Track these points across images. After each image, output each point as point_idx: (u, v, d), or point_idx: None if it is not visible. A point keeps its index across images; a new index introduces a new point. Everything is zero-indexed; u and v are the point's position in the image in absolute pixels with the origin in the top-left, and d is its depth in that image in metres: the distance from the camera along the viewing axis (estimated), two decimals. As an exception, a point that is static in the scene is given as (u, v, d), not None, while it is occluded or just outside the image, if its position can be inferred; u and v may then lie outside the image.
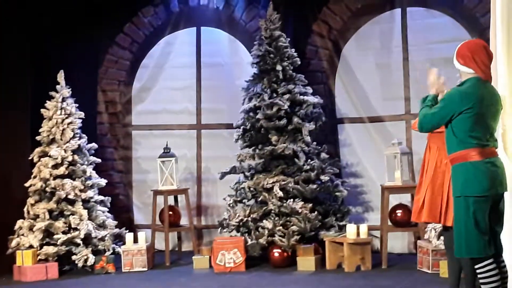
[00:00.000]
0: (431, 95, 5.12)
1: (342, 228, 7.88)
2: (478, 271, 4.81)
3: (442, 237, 6.66)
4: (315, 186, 8.02)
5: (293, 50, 8.42)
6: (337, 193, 8.22)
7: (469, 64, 4.90)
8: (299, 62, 8.45)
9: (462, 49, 4.95)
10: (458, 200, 4.86)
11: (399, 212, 7.83)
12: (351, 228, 7.57)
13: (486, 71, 4.90)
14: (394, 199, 8.03)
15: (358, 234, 7.56)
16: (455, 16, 8.48)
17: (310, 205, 7.90)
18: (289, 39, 8.44)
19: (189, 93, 9.60)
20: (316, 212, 7.90)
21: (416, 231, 7.84)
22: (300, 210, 7.81)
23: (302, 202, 7.89)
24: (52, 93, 8.29)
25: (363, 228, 7.61)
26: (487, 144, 4.83)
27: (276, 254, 7.82)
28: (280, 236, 7.78)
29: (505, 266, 4.95)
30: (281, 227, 7.81)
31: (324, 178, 8.10)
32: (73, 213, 8.01)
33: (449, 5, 8.49)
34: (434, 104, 5.03)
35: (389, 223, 7.85)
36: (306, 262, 7.66)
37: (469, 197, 4.78)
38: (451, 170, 5.01)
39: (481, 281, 4.80)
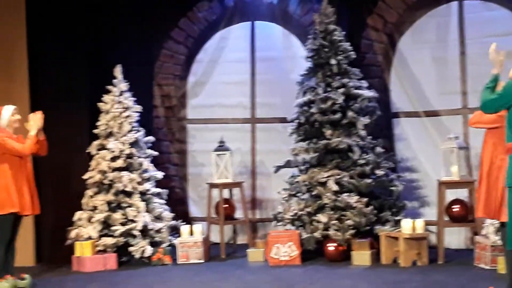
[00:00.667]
0: (493, 75, 5.04)
1: (397, 223, 7.84)
2: None
3: (499, 233, 6.58)
4: (370, 180, 7.99)
5: (347, 44, 8.38)
6: (392, 188, 8.18)
7: None
8: (354, 56, 8.41)
9: None
10: (508, 191, 4.81)
11: (455, 207, 7.75)
12: (407, 223, 7.53)
13: None
14: (450, 194, 7.95)
15: (414, 229, 7.51)
16: (513, 9, 8.36)
17: (365, 199, 7.88)
18: (343, 33, 8.41)
19: (243, 87, 9.65)
20: (371, 207, 7.88)
21: (473, 226, 7.76)
22: (355, 205, 7.80)
23: (357, 197, 7.87)
24: (110, 87, 8.42)
25: (419, 223, 7.55)
26: None
27: (331, 248, 7.82)
28: (335, 230, 7.78)
29: None
30: (336, 221, 7.81)
31: (379, 172, 8.08)
32: (130, 205, 8.14)
33: (506, -3, 8.38)
34: (495, 85, 4.96)
35: (446, 218, 7.78)
36: (361, 256, 7.65)
37: None
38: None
39: None
